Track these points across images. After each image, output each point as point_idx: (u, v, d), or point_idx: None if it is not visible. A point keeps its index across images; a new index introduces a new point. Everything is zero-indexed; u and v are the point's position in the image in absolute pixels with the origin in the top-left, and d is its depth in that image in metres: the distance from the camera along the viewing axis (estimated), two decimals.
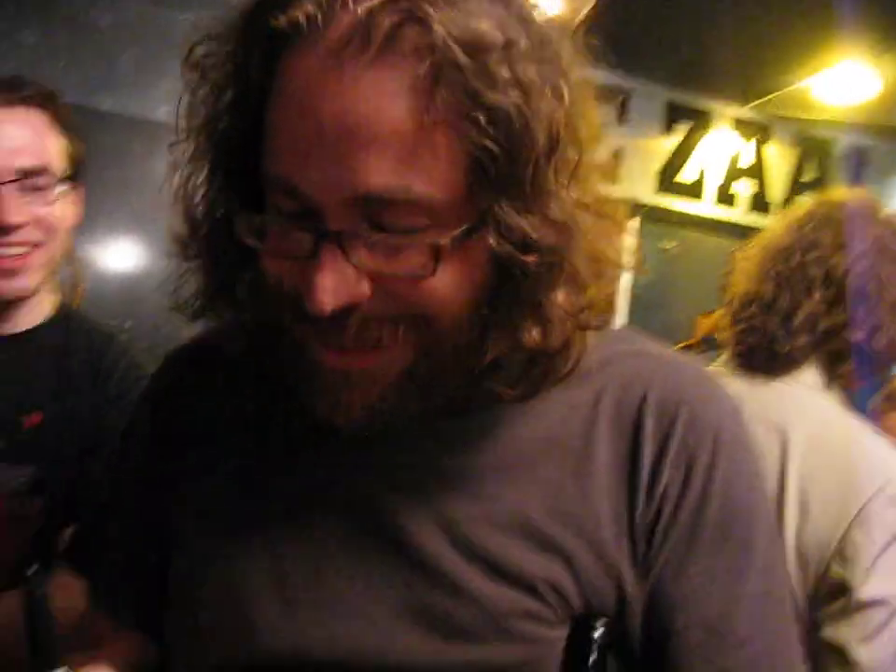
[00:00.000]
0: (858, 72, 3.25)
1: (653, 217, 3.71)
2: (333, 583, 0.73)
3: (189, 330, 0.88)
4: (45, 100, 1.29)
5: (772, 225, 1.57)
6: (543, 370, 0.70)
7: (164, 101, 3.49)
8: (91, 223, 3.14)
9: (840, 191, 1.54)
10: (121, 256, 3.01)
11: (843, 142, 3.97)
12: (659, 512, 0.71)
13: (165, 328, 3.31)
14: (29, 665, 0.62)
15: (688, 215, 3.82)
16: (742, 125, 3.86)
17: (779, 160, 3.93)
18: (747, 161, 3.90)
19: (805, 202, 1.56)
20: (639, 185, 3.70)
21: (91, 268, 2.96)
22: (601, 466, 0.73)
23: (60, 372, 1.32)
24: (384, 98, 0.59)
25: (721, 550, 0.71)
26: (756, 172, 3.91)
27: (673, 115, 3.76)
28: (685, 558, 0.71)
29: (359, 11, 0.58)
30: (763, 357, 1.44)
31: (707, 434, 0.73)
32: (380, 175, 0.59)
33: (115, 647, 0.85)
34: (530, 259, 0.62)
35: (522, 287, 0.64)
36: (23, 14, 3.01)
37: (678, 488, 0.72)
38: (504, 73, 0.59)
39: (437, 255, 0.61)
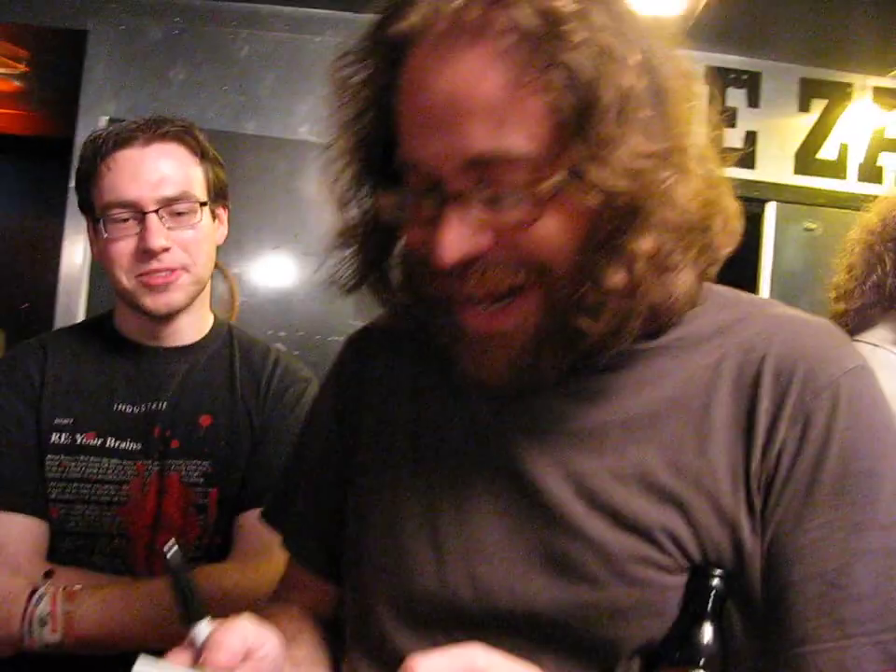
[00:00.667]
0: None
1: (794, 199, 3.61)
2: (476, 531, 0.80)
3: (336, 338, 1.01)
4: (183, 133, 1.42)
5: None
6: (636, 314, 0.75)
7: (303, 121, 3.65)
8: (240, 240, 3.34)
9: None
10: (270, 269, 3.16)
11: None
12: (776, 468, 0.74)
13: (315, 335, 3.47)
14: (180, 619, 0.74)
15: (831, 193, 3.69)
16: (884, 95, 3.68)
17: None
18: (892, 132, 3.73)
19: None
20: (776, 167, 3.60)
21: (244, 283, 3.13)
22: (720, 423, 0.76)
23: (228, 380, 1.45)
24: (478, 75, 0.68)
25: (840, 504, 0.72)
26: None
27: (808, 92, 3.63)
28: (803, 512, 0.73)
29: (455, 7, 0.68)
30: (846, 321, 1.60)
31: (825, 390, 0.74)
32: (482, 139, 0.69)
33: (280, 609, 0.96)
34: (602, 202, 0.69)
35: (603, 232, 0.70)
36: (172, 54, 3.22)
37: (795, 444, 0.73)
38: (577, 37, 0.66)
39: (538, 203, 0.69)
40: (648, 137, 0.70)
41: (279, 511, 1.04)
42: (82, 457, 1.37)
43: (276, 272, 3.16)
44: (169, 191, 1.37)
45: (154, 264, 1.36)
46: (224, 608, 1.18)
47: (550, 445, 0.80)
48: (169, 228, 1.37)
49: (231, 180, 3.15)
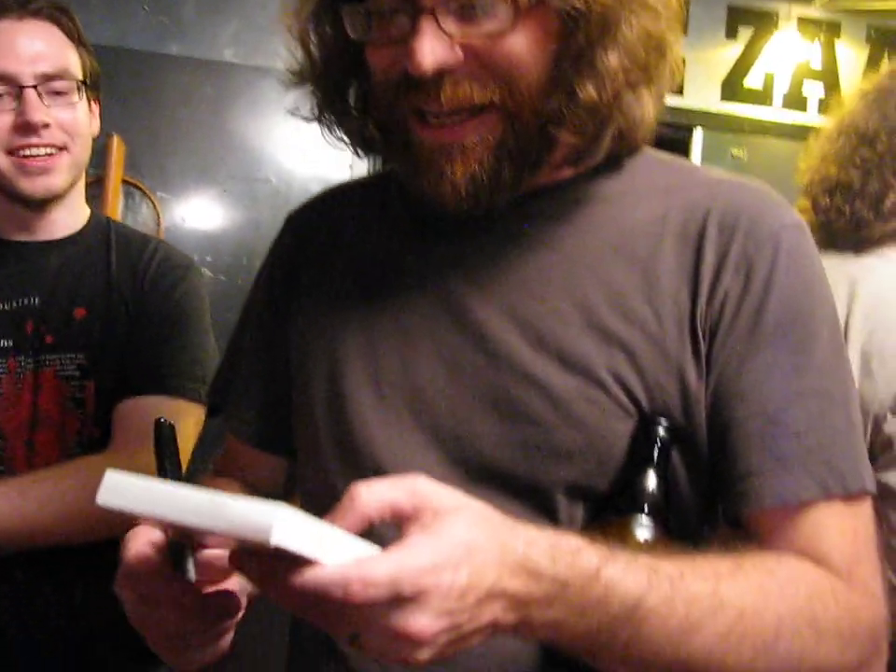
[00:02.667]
0: None
1: (721, 126, 3.67)
2: (419, 377, 0.83)
3: (262, 257, 1.03)
4: (56, 13, 1.36)
5: (847, 104, 1.52)
6: (604, 131, 0.78)
7: (229, 43, 3.54)
8: (165, 164, 3.27)
9: None
10: (196, 194, 3.12)
11: None
12: (720, 314, 0.78)
13: (241, 259, 3.44)
14: None
15: (756, 121, 3.75)
16: (809, 24, 3.74)
17: (851, 58, 3.80)
18: (816, 62, 3.80)
19: (876, 76, 1.51)
20: (704, 93, 3.64)
21: (169, 207, 3.09)
22: (666, 272, 0.79)
23: (103, 272, 1.41)
24: None
25: (780, 347, 0.77)
26: (827, 73, 3.80)
27: (735, 19, 3.67)
28: (745, 354, 0.77)
29: None
30: (851, 242, 1.43)
31: (767, 242, 0.79)
32: None
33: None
34: (576, 15, 0.72)
35: (579, 46, 0.74)
36: None
37: (738, 291, 0.78)
38: None
39: (515, 11, 0.72)
40: None
41: (219, 391, 1.05)
42: None
43: (202, 196, 3.11)
44: (47, 67, 1.31)
45: (34, 139, 1.30)
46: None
47: (493, 291, 0.82)
48: (47, 106, 1.32)
49: (156, 103, 3.10)
